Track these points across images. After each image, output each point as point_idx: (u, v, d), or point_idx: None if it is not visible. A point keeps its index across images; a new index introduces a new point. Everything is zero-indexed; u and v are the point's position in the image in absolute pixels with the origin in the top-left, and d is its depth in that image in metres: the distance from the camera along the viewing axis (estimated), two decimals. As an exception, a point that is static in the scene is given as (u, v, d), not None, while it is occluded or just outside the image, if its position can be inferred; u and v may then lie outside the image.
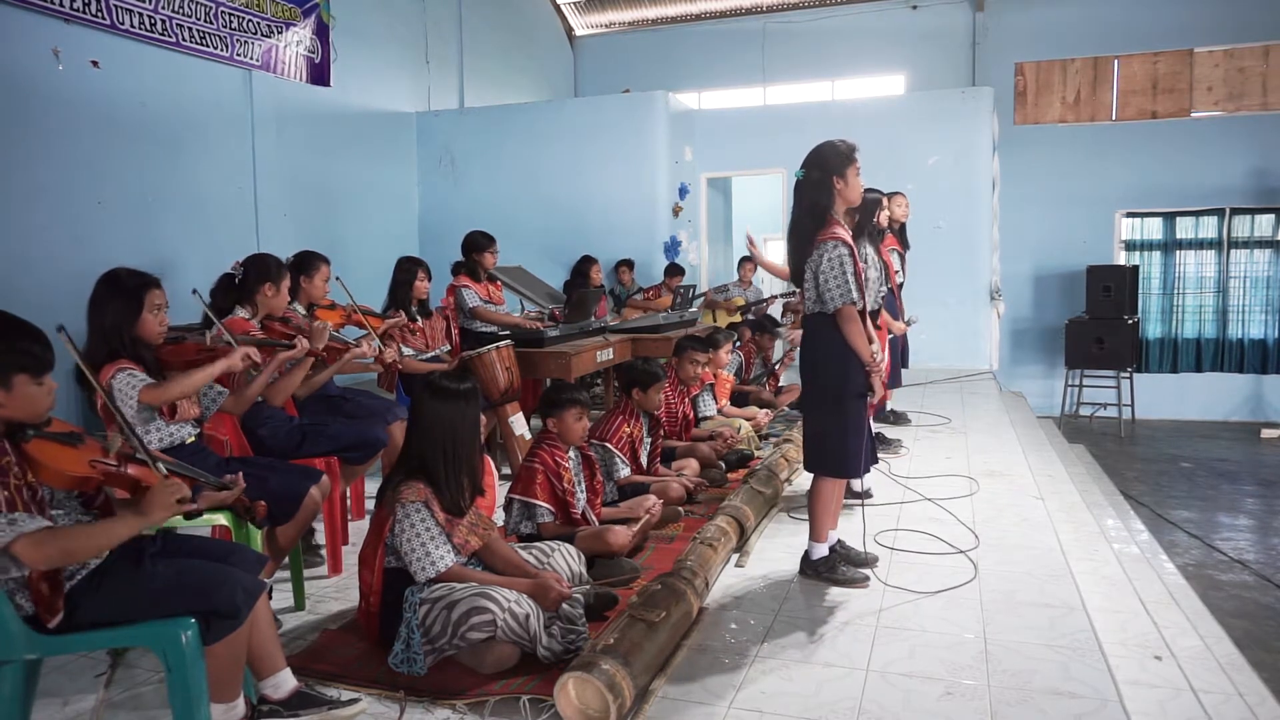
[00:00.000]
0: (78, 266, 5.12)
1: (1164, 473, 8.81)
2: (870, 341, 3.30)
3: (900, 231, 5.95)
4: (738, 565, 3.67)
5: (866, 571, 3.47)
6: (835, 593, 3.35)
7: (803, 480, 4.95)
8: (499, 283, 6.00)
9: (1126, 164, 11.31)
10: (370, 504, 3.63)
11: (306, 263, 4.26)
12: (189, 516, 2.14)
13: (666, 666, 2.71)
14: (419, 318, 5.10)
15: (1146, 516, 6.67)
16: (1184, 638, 3.23)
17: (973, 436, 6.07)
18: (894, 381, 5.84)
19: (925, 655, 2.80)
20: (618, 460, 4.27)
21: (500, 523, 3.57)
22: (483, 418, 3.04)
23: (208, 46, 6.88)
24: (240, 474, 2.52)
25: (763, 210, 12.22)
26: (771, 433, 6.05)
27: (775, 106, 10.91)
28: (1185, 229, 11.59)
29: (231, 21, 7.09)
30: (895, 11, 12.23)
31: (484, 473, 3.32)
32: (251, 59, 7.33)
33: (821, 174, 3.29)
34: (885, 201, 5.39)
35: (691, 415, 5.43)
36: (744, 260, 9.35)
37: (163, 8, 6.43)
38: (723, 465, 4.98)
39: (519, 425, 5.09)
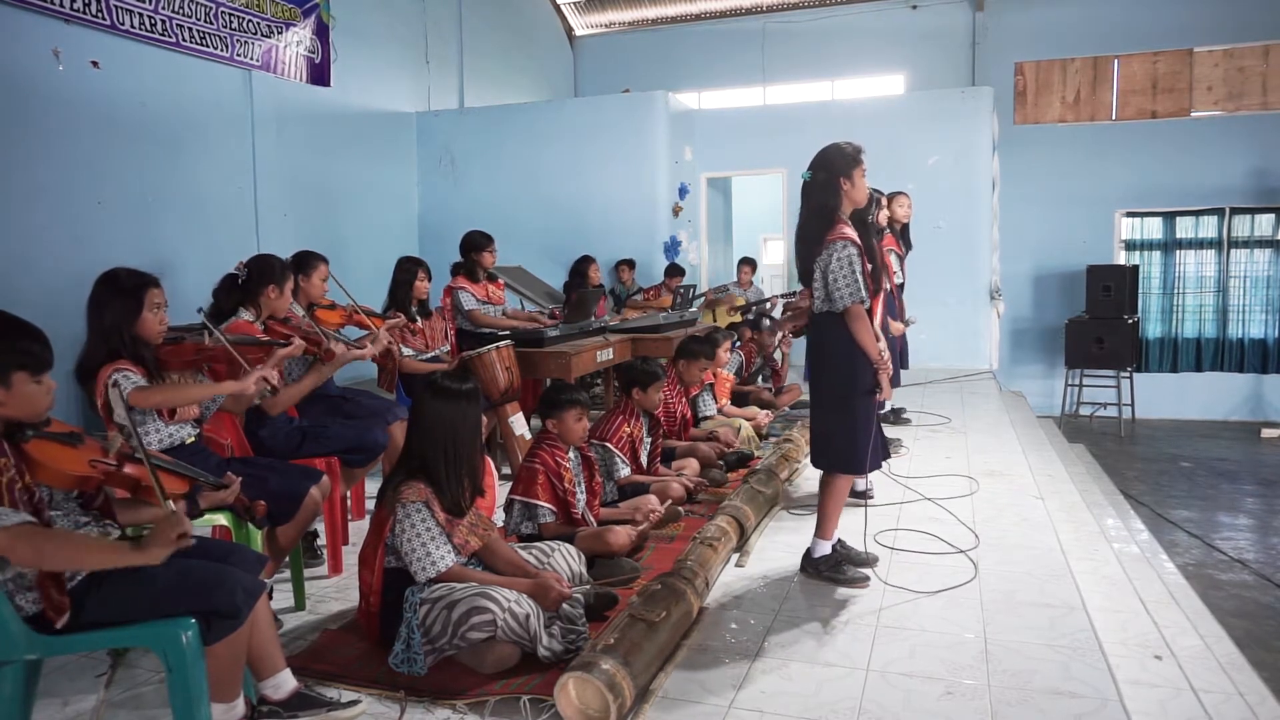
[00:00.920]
0: (78, 266, 5.11)
1: (1164, 472, 8.81)
2: (878, 340, 3.33)
3: (903, 232, 5.94)
4: (738, 565, 3.67)
5: (867, 571, 3.47)
6: (835, 592, 3.35)
7: (803, 479, 4.95)
8: (499, 281, 6.00)
9: (1126, 164, 11.31)
10: (370, 504, 3.63)
11: (304, 262, 4.25)
12: (191, 516, 2.14)
13: (667, 666, 2.71)
14: (419, 318, 5.09)
15: (1146, 516, 6.67)
16: (1184, 637, 3.23)
17: (973, 436, 6.07)
18: (895, 381, 5.84)
19: (925, 655, 2.80)
20: (618, 460, 4.27)
21: (500, 523, 3.57)
22: (483, 418, 3.04)
23: (208, 47, 6.88)
24: (236, 474, 2.52)
25: (762, 210, 12.24)
26: (772, 433, 6.04)
27: (775, 106, 10.91)
28: (1185, 229, 11.59)
29: (231, 22, 7.09)
30: (895, 11, 12.23)
31: (484, 473, 3.32)
32: (251, 59, 7.33)
33: (828, 176, 3.32)
34: (883, 200, 5.39)
35: (690, 415, 5.43)
36: (743, 262, 9.36)
37: (163, 8, 6.43)
38: (723, 465, 4.98)
39: (519, 425, 5.09)
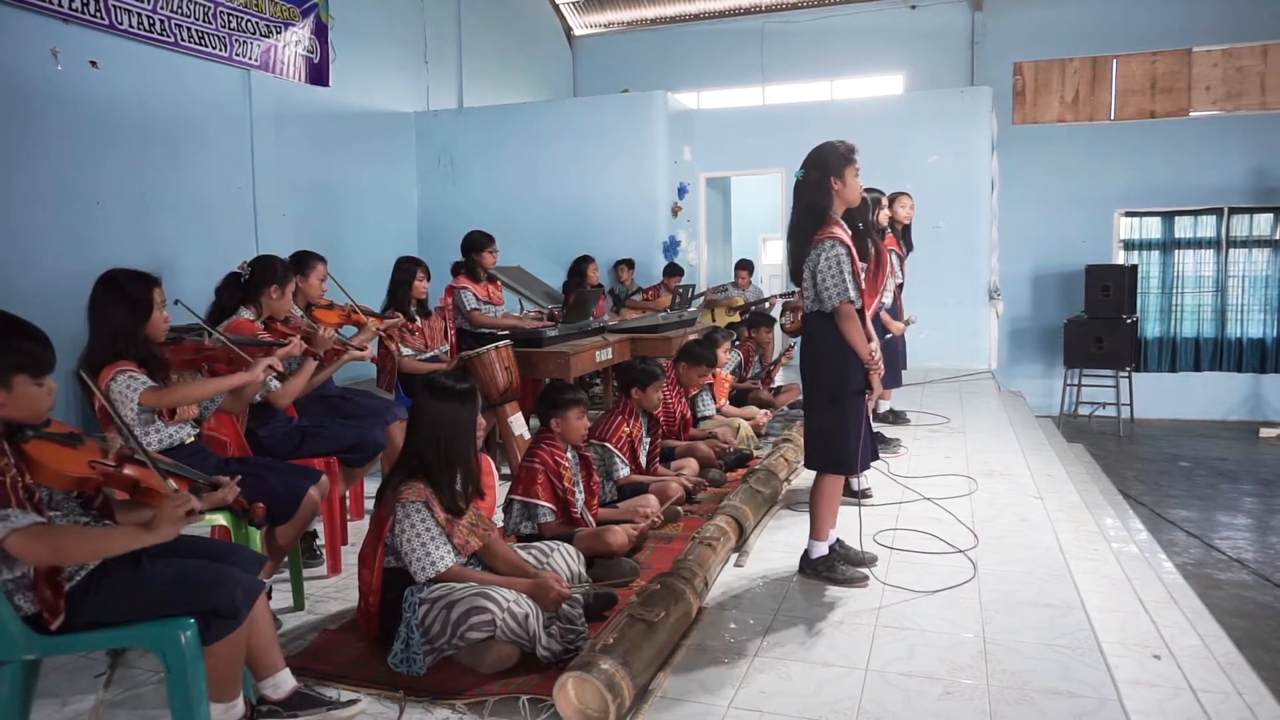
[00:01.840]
0: (77, 266, 5.12)
1: (1163, 472, 8.82)
2: (869, 340, 3.32)
3: (904, 233, 5.93)
4: (737, 565, 3.67)
5: (865, 571, 3.47)
6: (834, 592, 3.35)
7: (802, 478, 4.95)
8: (499, 282, 6.00)
9: (1125, 163, 11.31)
10: (370, 504, 3.63)
11: (302, 262, 4.26)
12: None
13: (666, 666, 2.71)
14: (418, 318, 5.09)
15: (1145, 516, 6.67)
16: (1183, 637, 3.23)
17: (972, 436, 6.07)
18: (894, 381, 5.83)
19: (924, 655, 2.80)
20: (617, 460, 4.27)
21: (499, 524, 3.56)
22: (481, 419, 3.04)
23: (206, 46, 6.88)
24: (234, 474, 2.52)
25: (762, 210, 12.23)
26: (770, 432, 6.05)
27: (774, 106, 10.91)
28: (1184, 228, 11.59)
29: (230, 21, 7.08)
30: (894, 11, 12.23)
31: (484, 473, 3.32)
32: (250, 59, 7.32)
33: (820, 175, 3.32)
34: (884, 200, 5.39)
35: (689, 415, 5.43)
36: (740, 265, 9.36)
37: (161, 8, 6.43)
38: (722, 465, 4.98)
39: (518, 425, 5.09)
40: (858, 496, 4.32)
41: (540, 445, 3.65)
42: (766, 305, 8.67)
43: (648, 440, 4.55)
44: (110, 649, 2.25)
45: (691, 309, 7.66)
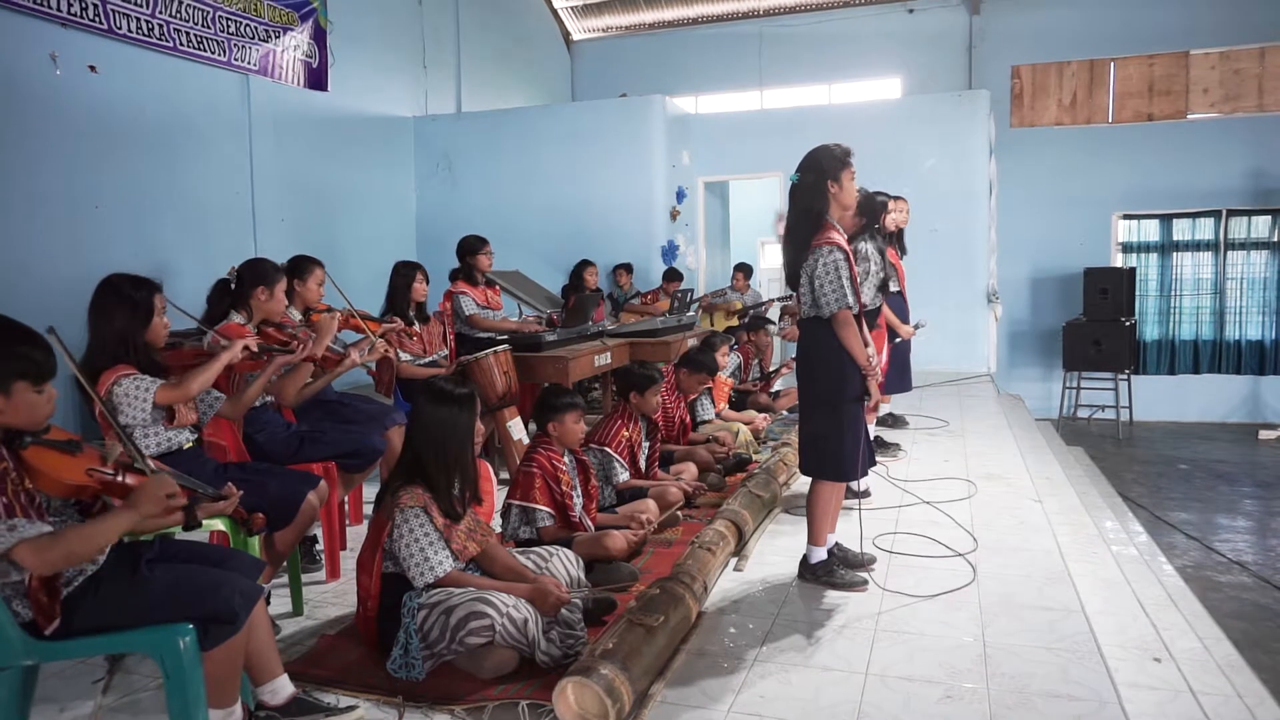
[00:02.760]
0: (76, 271, 5.12)
1: (1162, 474, 8.82)
2: (866, 345, 3.31)
3: (898, 237, 5.93)
4: (736, 569, 3.67)
5: (864, 575, 3.47)
6: (833, 596, 3.35)
7: (801, 481, 4.95)
8: (497, 287, 6.00)
9: (1123, 166, 11.33)
10: (368, 509, 3.63)
11: (299, 266, 4.25)
12: (188, 528, 2.13)
13: (665, 671, 2.70)
14: (416, 322, 5.09)
15: (1145, 518, 6.67)
16: (1183, 639, 3.22)
17: (971, 439, 6.07)
18: (904, 386, 5.80)
19: (924, 658, 2.80)
20: (616, 464, 4.26)
21: (497, 529, 3.56)
22: (480, 424, 3.03)
23: (205, 51, 6.88)
24: (235, 485, 2.51)
25: (760, 214, 12.25)
26: (770, 436, 6.04)
27: (772, 110, 10.92)
28: (1182, 231, 11.60)
29: (229, 26, 7.09)
30: (891, 15, 12.25)
31: (482, 478, 3.32)
32: (249, 64, 7.33)
33: (816, 178, 3.30)
34: (889, 205, 5.39)
35: (688, 420, 5.43)
36: (737, 268, 9.36)
37: (160, 12, 6.44)
38: (721, 469, 4.97)
39: (517, 430, 5.08)
40: (858, 497, 4.31)
41: (537, 450, 3.64)
42: (765, 308, 8.67)
43: (647, 445, 4.54)
44: (109, 654, 2.24)
45: (690, 313, 7.67)
